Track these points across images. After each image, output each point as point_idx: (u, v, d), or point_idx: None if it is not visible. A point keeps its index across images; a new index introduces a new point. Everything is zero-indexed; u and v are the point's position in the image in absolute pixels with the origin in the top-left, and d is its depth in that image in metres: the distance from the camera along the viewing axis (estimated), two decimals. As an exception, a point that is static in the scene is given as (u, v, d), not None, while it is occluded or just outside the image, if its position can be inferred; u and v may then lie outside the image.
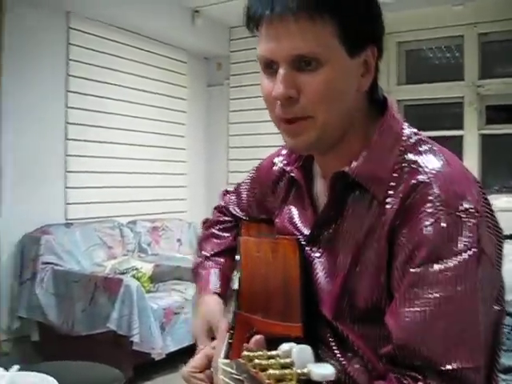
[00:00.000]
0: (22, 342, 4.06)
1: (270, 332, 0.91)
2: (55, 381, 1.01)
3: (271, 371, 0.62)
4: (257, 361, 0.65)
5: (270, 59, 0.94)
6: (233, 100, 5.81)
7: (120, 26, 4.81)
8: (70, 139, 4.45)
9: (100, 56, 4.69)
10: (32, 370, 1.13)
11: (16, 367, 1.10)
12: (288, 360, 0.65)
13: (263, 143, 5.16)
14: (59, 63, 4.39)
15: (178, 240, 5.15)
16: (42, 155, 4.26)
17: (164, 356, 3.77)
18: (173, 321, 3.95)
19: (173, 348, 3.89)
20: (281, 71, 0.92)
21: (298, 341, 0.72)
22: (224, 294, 1.24)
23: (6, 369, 1.14)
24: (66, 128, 4.44)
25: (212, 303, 1.21)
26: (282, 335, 0.91)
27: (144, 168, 5.14)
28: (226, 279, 1.26)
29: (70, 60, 4.45)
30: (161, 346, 3.74)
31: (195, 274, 1.33)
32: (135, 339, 3.54)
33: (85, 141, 4.56)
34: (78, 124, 4.50)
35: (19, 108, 4.06)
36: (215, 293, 1.23)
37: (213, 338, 1.14)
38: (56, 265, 3.96)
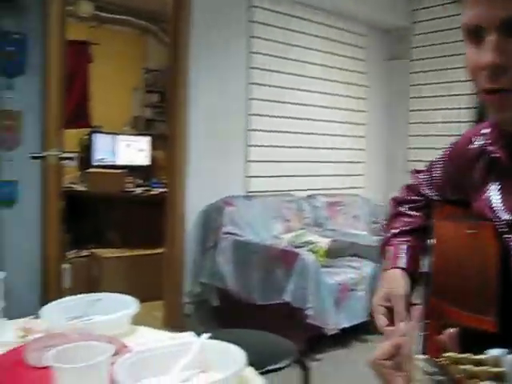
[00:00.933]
0: (203, 305, 4.27)
1: (461, 323, 0.86)
2: (243, 353, 1.04)
3: (482, 382, 0.57)
4: (464, 366, 0.60)
5: (476, 26, 0.85)
6: (414, 74, 5.57)
7: (299, 0, 4.82)
8: (251, 114, 4.58)
9: (280, 32, 4.75)
10: (216, 338, 1.17)
11: (206, 335, 1.15)
12: (498, 369, 0.59)
13: (446, 119, 4.92)
14: (241, 41, 4.52)
15: (355, 216, 5.10)
16: (225, 130, 4.43)
17: (337, 331, 3.78)
18: (347, 297, 3.93)
19: (346, 324, 3.88)
20: (489, 38, 0.83)
21: (492, 337, 0.66)
22: (411, 270, 1.18)
23: (198, 334, 1.20)
24: (248, 104, 4.57)
25: (396, 277, 1.16)
26: (473, 328, 0.85)
27: (323, 143, 5.16)
28: (413, 257, 1.20)
29: (252, 37, 4.56)
30: (334, 321, 3.75)
31: (382, 251, 1.28)
32: (309, 312, 3.59)
33: (266, 116, 4.67)
34: (259, 99, 4.62)
35: (204, 86, 4.24)
36: (402, 268, 1.18)
37: (389, 312, 1.09)
38: (236, 235, 4.10)
